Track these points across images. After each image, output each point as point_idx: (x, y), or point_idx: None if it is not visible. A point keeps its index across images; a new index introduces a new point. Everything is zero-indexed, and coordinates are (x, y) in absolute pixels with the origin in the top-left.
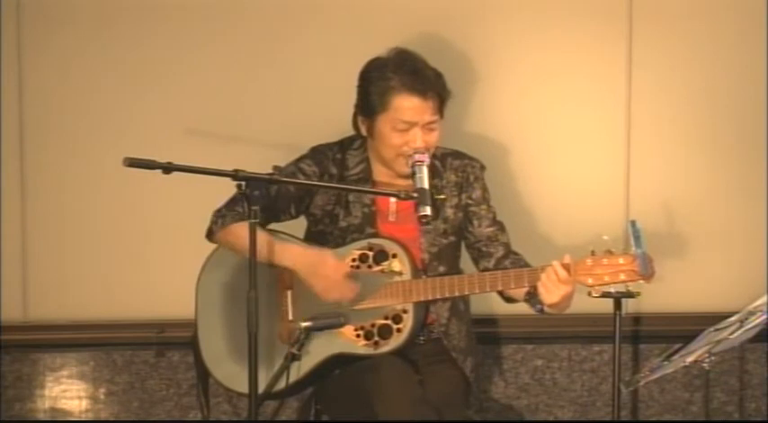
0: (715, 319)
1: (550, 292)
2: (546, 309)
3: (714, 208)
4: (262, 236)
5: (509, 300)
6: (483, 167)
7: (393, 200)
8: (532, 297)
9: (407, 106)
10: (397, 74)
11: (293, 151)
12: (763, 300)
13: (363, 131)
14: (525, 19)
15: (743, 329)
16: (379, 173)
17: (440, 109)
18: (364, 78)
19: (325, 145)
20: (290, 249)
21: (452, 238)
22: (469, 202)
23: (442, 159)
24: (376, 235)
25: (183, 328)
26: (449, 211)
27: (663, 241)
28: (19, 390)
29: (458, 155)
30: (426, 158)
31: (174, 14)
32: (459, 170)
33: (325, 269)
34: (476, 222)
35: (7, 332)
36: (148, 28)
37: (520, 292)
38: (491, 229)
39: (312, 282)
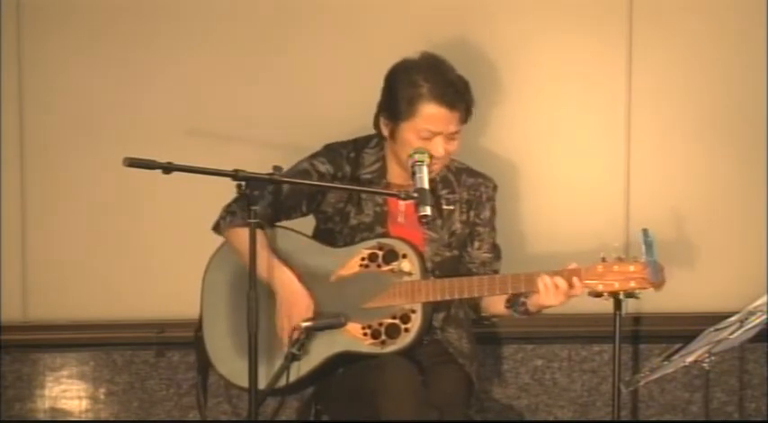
0: (715, 319)
1: (549, 299)
2: (530, 309)
3: (714, 208)
4: (263, 252)
5: (485, 318)
6: (495, 187)
7: (402, 202)
8: (513, 302)
9: (435, 116)
10: (428, 82)
11: (293, 151)
12: (763, 300)
13: (385, 133)
14: (524, 19)
15: (743, 329)
16: (394, 174)
17: (465, 119)
18: (392, 81)
19: (339, 143)
20: (281, 276)
21: (456, 252)
22: (477, 220)
23: (457, 174)
24: (386, 235)
25: (183, 328)
26: (457, 225)
27: (663, 241)
28: (19, 390)
29: (472, 172)
30: (426, 158)
31: (174, 14)
32: (472, 188)
33: (294, 309)
34: (476, 244)
35: (7, 332)
36: (148, 28)
37: (500, 305)
38: (488, 255)
39: (279, 309)
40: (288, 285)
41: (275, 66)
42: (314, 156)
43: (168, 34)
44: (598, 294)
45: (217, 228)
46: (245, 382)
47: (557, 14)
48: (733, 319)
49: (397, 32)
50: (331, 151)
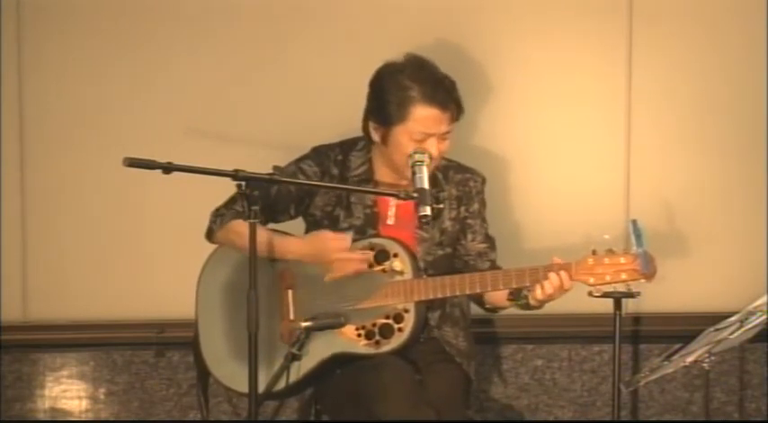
0: (715, 319)
1: (547, 295)
2: (532, 302)
3: (714, 208)
4: (262, 233)
5: (491, 310)
6: (484, 181)
7: (393, 203)
8: (516, 295)
9: (428, 117)
10: (416, 83)
11: (293, 151)
12: (763, 300)
13: (376, 138)
14: (525, 18)
15: (743, 329)
16: (382, 175)
17: (457, 118)
18: (379, 85)
19: (327, 146)
20: (291, 242)
21: (448, 250)
22: (467, 214)
23: (444, 171)
24: (377, 235)
25: (183, 328)
26: (447, 223)
27: (663, 241)
28: (19, 390)
29: (460, 168)
30: (426, 158)
31: (174, 14)
32: (460, 184)
33: (329, 249)
34: (469, 236)
35: (7, 332)
36: (148, 28)
37: (501, 298)
38: (483, 245)
39: (324, 266)
40: (304, 244)
41: (275, 66)
42: (301, 159)
43: (168, 34)
44: (591, 290)
45: (209, 233)
46: (240, 387)
47: (557, 14)
48: (733, 319)
49: (399, 33)
50: (319, 154)
